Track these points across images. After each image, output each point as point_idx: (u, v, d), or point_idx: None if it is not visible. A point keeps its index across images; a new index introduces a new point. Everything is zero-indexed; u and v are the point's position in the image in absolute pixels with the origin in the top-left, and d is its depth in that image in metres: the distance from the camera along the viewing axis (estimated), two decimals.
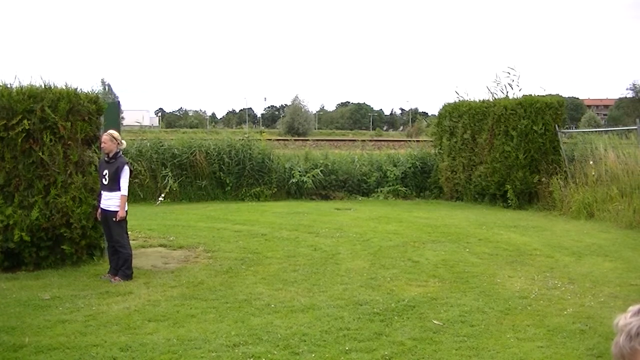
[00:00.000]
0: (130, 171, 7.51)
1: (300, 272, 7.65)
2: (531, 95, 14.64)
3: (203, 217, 12.29)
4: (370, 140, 26.19)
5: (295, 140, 23.41)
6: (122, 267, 7.29)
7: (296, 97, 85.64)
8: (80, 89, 8.10)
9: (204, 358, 4.78)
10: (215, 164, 15.80)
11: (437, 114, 17.38)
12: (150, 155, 15.50)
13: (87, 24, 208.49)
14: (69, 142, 7.78)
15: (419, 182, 17.06)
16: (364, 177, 16.91)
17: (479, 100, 15.35)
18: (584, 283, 7.13)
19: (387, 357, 4.81)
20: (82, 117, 7.92)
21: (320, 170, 16.38)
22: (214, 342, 5.11)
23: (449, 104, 16.27)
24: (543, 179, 13.71)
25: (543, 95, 14.67)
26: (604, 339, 5.13)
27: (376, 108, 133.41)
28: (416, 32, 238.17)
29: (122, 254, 7.29)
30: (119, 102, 14.12)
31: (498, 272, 7.69)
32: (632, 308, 1.33)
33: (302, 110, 74.08)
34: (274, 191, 16.02)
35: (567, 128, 17.00)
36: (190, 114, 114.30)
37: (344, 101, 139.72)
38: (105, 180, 7.35)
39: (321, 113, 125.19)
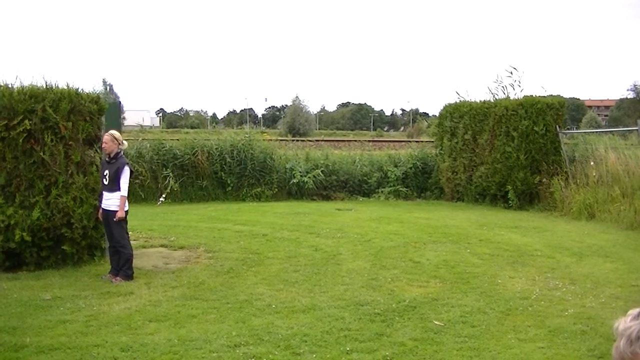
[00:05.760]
0: (131, 172, 7.52)
1: (301, 272, 7.65)
2: (532, 95, 14.64)
3: (204, 218, 12.30)
4: (370, 140, 26.27)
5: (293, 140, 23.31)
6: (123, 267, 7.30)
7: (296, 97, 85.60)
8: (82, 89, 8.13)
9: (205, 358, 4.79)
10: (216, 164, 15.80)
11: (438, 115, 17.38)
12: (150, 156, 15.49)
13: (89, 24, 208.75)
14: (70, 142, 7.79)
15: (419, 183, 17.05)
16: (365, 178, 16.90)
17: (480, 101, 15.34)
18: (585, 284, 7.13)
19: (388, 358, 4.82)
20: (83, 117, 7.94)
21: (321, 171, 16.37)
22: (215, 342, 5.11)
23: (449, 104, 16.25)
24: (544, 180, 13.70)
25: (544, 96, 14.67)
26: (605, 339, 5.13)
27: (377, 108, 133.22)
28: (417, 32, 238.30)
29: (123, 254, 7.30)
30: (120, 102, 14.11)
31: (499, 272, 7.69)
32: (632, 312, 1.32)
33: (303, 110, 73.98)
34: (274, 191, 16.01)
35: (568, 129, 16.95)
36: (191, 115, 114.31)
37: (344, 102, 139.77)
38: (106, 180, 7.37)
39: (322, 113, 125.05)
